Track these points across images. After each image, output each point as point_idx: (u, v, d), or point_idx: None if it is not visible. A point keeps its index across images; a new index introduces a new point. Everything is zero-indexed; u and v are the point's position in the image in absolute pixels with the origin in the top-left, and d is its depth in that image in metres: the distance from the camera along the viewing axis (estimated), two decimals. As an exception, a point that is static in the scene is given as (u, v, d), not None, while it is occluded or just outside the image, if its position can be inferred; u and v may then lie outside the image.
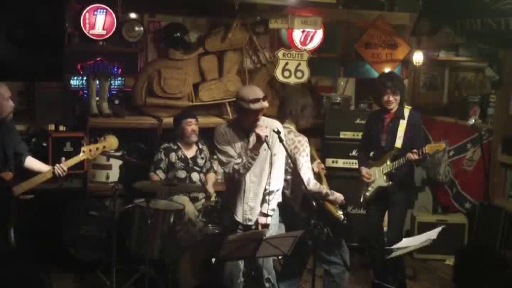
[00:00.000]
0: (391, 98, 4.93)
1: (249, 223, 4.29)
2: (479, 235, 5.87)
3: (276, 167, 4.23)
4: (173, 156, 5.46)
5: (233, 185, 4.34)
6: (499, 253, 2.71)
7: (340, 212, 4.55)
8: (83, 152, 4.47)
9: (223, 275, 4.38)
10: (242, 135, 4.22)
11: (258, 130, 4.04)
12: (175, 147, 5.50)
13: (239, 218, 4.29)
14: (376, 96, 5.13)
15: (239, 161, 4.17)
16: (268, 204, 4.22)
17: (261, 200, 4.27)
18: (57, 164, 4.34)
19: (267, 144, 4.04)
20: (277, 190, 4.28)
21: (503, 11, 4.83)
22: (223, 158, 4.25)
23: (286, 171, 4.44)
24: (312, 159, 4.74)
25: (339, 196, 4.53)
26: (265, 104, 4.13)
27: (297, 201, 4.49)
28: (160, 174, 5.40)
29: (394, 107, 4.98)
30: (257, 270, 4.30)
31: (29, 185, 4.29)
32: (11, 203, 4.12)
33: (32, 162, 4.46)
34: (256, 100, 4.08)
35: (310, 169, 4.40)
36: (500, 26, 4.89)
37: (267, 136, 4.04)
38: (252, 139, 4.18)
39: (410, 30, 6.76)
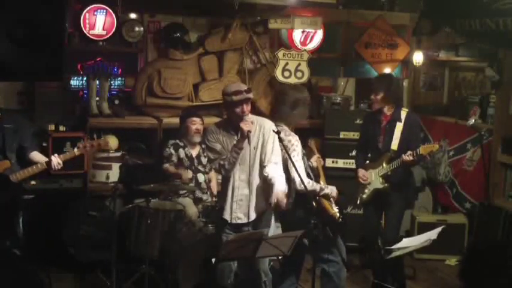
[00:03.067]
0: (372, 97, 5.01)
1: (239, 221, 4.29)
2: (479, 235, 5.87)
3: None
4: (182, 152, 5.45)
5: (224, 184, 4.37)
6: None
7: (336, 210, 4.53)
8: (78, 147, 4.75)
9: (215, 274, 4.39)
10: (232, 132, 4.24)
11: (242, 124, 4.08)
12: (182, 144, 5.49)
13: (227, 216, 4.30)
14: None
15: (224, 156, 4.20)
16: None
17: (254, 199, 4.27)
18: (53, 156, 4.65)
19: (248, 139, 4.07)
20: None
21: (501, 11, 4.83)
22: (211, 155, 4.32)
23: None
24: (311, 154, 4.73)
25: (333, 188, 4.50)
26: (249, 95, 4.15)
27: (289, 199, 4.47)
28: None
29: (377, 106, 5.02)
30: (254, 273, 4.30)
31: (23, 175, 4.58)
32: (18, 200, 4.20)
33: (34, 156, 4.75)
34: (238, 92, 4.12)
35: (302, 168, 4.38)
36: (498, 26, 4.90)
37: (249, 131, 4.07)
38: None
39: (411, 31, 6.76)
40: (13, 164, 4.62)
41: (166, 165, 5.38)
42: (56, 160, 4.61)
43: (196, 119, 5.47)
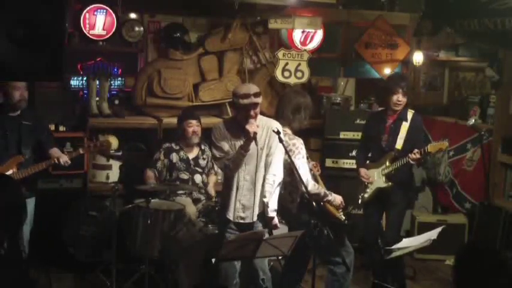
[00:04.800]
0: (401, 99, 4.94)
1: (241, 221, 4.30)
2: (479, 235, 5.87)
3: (272, 166, 4.25)
4: (174, 156, 5.44)
5: (228, 183, 4.36)
6: (499, 253, 2.70)
7: (341, 213, 4.55)
8: (84, 147, 4.99)
9: (219, 275, 4.39)
10: (238, 132, 4.23)
11: (247, 126, 4.07)
12: (177, 147, 5.48)
13: (230, 215, 4.30)
14: (384, 96, 5.10)
15: (230, 156, 4.20)
16: (268, 206, 4.23)
17: (258, 199, 4.28)
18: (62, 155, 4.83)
19: (255, 141, 4.07)
20: (276, 186, 4.29)
21: (499, 11, 4.84)
22: (216, 153, 4.31)
23: (283, 173, 4.43)
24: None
25: (337, 197, 4.52)
26: (257, 100, 4.12)
27: (294, 203, 4.49)
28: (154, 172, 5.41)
29: (400, 108, 4.99)
30: (252, 271, 4.30)
31: (32, 170, 4.71)
32: (22, 205, 4.18)
33: (54, 152, 4.89)
34: (246, 95, 4.09)
35: (307, 171, 4.39)
36: (497, 26, 4.90)
37: (255, 133, 4.06)
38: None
39: (413, 32, 6.76)
40: (27, 159, 4.75)
41: (149, 170, 5.39)
42: (64, 158, 4.80)
43: (193, 121, 5.45)
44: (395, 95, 4.93)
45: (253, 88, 4.18)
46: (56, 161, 4.80)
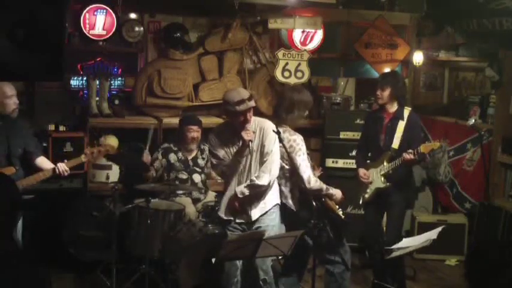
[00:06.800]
0: (378, 92, 4.99)
1: (240, 220, 4.33)
2: (479, 235, 5.87)
3: (267, 165, 4.25)
4: (172, 157, 5.45)
5: (225, 184, 4.42)
6: (508, 250, 2.70)
7: (340, 210, 4.56)
8: (85, 154, 4.78)
9: (221, 273, 4.39)
10: (233, 137, 4.24)
11: (243, 133, 4.09)
12: (176, 148, 5.49)
13: (221, 213, 4.36)
14: None
15: (226, 162, 4.21)
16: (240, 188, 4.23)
17: (255, 200, 4.29)
18: (59, 163, 4.64)
19: (249, 149, 4.11)
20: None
21: (497, 11, 4.85)
22: (213, 161, 4.35)
23: (283, 169, 4.44)
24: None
25: (337, 191, 4.52)
26: (251, 103, 4.14)
27: (294, 200, 4.49)
28: (151, 171, 5.42)
29: (382, 102, 5.01)
30: (253, 271, 4.31)
31: (27, 181, 4.54)
32: (17, 201, 4.17)
33: (42, 161, 4.73)
34: (242, 101, 4.10)
35: (308, 167, 4.39)
36: (495, 26, 4.91)
37: (251, 141, 4.09)
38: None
39: (416, 32, 6.77)
40: (18, 170, 4.59)
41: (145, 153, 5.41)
42: (63, 168, 4.62)
43: (193, 127, 5.44)
44: (376, 90, 5.01)
45: (244, 93, 4.19)
46: (52, 172, 4.60)
